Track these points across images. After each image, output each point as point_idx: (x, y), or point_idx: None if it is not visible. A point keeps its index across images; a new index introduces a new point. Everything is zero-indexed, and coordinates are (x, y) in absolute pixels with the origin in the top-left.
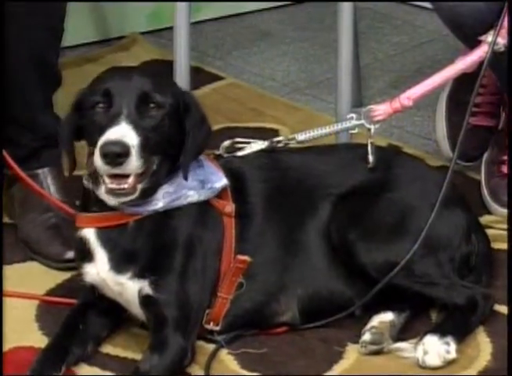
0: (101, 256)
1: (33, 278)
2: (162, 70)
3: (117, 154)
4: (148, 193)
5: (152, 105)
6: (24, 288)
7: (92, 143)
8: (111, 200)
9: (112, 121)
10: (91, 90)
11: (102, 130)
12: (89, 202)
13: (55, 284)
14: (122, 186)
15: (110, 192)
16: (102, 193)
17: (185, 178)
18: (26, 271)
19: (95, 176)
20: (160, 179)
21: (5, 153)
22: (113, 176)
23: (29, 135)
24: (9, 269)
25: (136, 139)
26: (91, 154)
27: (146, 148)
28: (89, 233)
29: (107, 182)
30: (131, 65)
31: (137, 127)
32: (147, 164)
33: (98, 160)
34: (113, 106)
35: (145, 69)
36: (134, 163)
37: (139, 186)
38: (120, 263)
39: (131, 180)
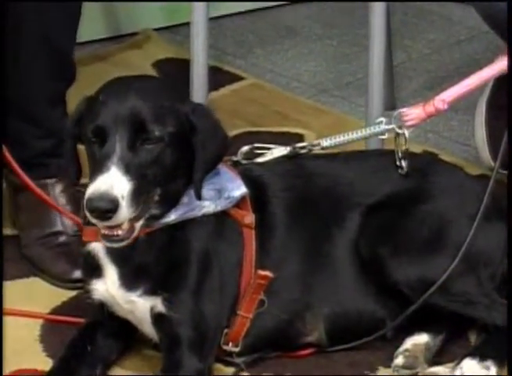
0: (111, 272)
1: (37, 295)
2: (167, 80)
3: (103, 211)
4: (158, 217)
5: (149, 139)
6: (27, 306)
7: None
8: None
9: (103, 163)
10: (87, 115)
11: (93, 173)
12: None
13: (60, 302)
14: (116, 233)
15: (105, 238)
16: None
17: (198, 198)
18: (29, 287)
19: None
20: (174, 198)
21: (12, 159)
22: None
23: (34, 132)
24: (11, 285)
25: (128, 185)
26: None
27: (140, 192)
28: (97, 248)
29: (99, 225)
30: (135, 74)
31: (130, 170)
32: (142, 206)
33: (85, 210)
34: (107, 142)
35: (146, 86)
36: (123, 215)
37: (138, 225)
38: (130, 280)
39: (125, 226)
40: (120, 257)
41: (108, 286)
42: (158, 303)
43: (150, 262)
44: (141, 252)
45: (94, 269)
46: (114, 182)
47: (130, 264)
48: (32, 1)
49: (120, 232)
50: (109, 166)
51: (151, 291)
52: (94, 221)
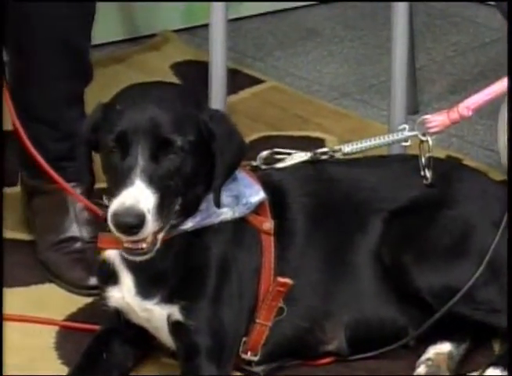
0: (126, 280)
1: (52, 302)
2: (184, 86)
3: (130, 226)
4: (177, 225)
5: (171, 149)
6: (42, 313)
7: (109, 193)
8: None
9: (126, 176)
10: (104, 124)
11: (116, 186)
12: None
13: (76, 309)
14: (140, 246)
15: (128, 251)
16: None
17: (218, 206)
18: (44, 294)
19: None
20: (193, 206)
21: (35, 152)
22: None
23: (51, 134)
24: (26, 291)
25: (153, 198)
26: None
27: (163, 204)
28: (113, 255)
29: (123, 239)
30: (151, 80)
31: (153, 182)
32: (165, 217)
33: (110, 225)
34: (128, 154)
35: (164, 94)
36: (149, 229)
37: (160, 236)
38: (147, 288)
39: (149, 239)
40: (136, 265)
41: (124, 294)
42: (175, 311)
43: (167, 269)
44: (158, 260)
45: (109, 277)
46: (140, 196)
47: (146, 272)
48: (45, 1)
49: (144, 245)
50: (134, 179)
51: (168, 299)
52: (118, 235)
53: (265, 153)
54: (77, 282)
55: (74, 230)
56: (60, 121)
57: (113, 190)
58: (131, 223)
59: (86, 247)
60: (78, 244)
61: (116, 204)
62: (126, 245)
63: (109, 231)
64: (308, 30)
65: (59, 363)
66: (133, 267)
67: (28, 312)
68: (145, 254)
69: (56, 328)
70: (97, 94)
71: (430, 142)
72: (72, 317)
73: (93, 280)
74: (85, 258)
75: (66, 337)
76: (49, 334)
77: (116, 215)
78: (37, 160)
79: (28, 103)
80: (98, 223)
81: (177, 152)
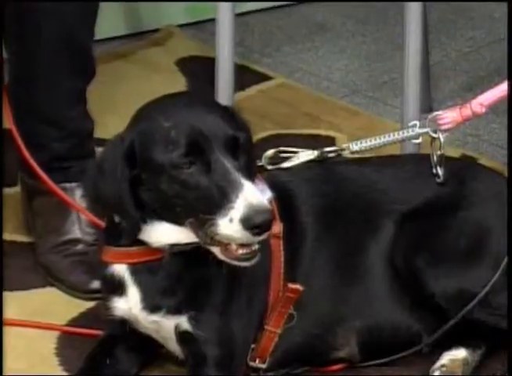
0: (133, 293)
1: (53, 306)
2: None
3: (269, 221)
4: None
5: (238, 146)
6: (43, 317)
7: (192, 213)
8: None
9: (227, 181)
10: (152, 147)
11: (221, 196)
12: (119, 235)
13: (77, 313)
14: (254, 249)
15: (238, 259)
16: (145, 235)
17: None
18: (45, 298)
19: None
20: None
21: (30, 157)
22: None
23: (54, 133)
24: (26, 295)
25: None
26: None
27: None
28: (120, 269)
29: (234, 248)
30: (164, 94)
31: (249, 179)
32: None
33: (237, 231)
34: (211, 161)
35: (196, 100)
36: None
37: None
38: (154, 301)
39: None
40: (143, 278)
41: (131, 306)
42: (183, 321)
43: (175, 281)
44: (165, 272)
45: (115, 288)
46: (258, 193)
47: (154, 286)
48: (49, 0)
49: (257, 246)
50: (239, 180)
51: (175, 310)
52: (248, 239)
53: (270, 152)
54: (78, 285)
55: (76, 232)
56: (63, 119)
57: (207, 209)
58: (269, 219)
59: (88, 249)
60: (80, 247)
61: (242, 208)
62: (240, 252)
63: (114, 244)
64: (317, 24)
65: (60, 370)
66: (141, 281)
67: (28, 316)
68: (255, 256)
69: (57, 333)
70: (100, 90)
71: (442, 140)
72: (73, 322)
73: (95, 284)
74: (87, 261)
75: (68, 342)
76: (50, 339)
77: (249, 217)
78: (31, 165)
79: (30, 102)
80: (99, 230)
81: (240, 147)
